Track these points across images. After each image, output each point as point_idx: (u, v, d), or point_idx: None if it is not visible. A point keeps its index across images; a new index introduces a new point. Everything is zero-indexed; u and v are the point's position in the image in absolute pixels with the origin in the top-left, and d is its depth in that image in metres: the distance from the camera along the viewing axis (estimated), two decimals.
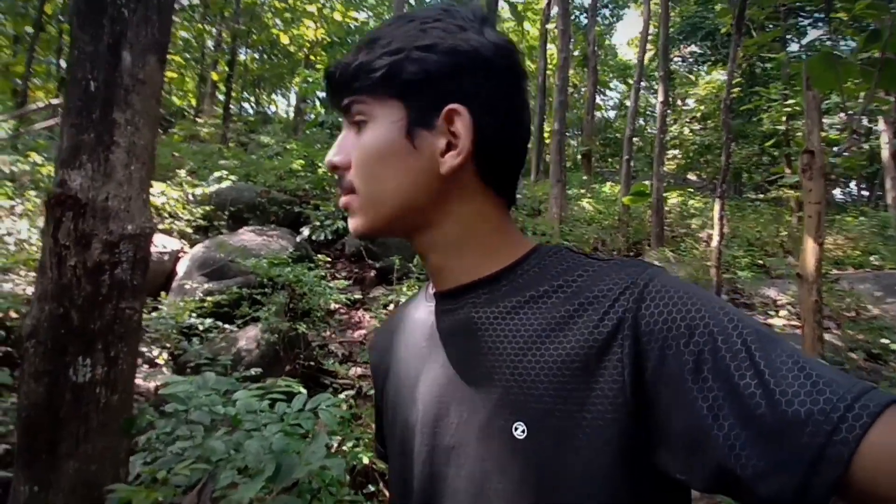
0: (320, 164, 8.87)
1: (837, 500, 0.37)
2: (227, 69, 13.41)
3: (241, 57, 14.86)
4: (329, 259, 6.28)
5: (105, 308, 1.59)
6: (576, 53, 15.74)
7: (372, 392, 0.69)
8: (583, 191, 11.34)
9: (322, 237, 6.61)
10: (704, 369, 0.43)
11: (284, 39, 14.43)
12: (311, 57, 15.18)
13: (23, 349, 1.53)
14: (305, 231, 6.70)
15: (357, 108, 0.55)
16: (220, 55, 13.84)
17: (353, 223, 0.58)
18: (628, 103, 11.73)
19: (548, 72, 13.00)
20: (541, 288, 0.54)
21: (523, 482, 0.49)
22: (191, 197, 6.75)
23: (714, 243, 5.83)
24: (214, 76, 14.25)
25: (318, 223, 6.72)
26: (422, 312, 0.64)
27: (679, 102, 17.44)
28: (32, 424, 1.50)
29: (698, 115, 15.10)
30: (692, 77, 16.94)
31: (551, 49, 13.51)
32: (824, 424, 0.37)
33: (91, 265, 1.57)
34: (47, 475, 1.49)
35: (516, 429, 0.49)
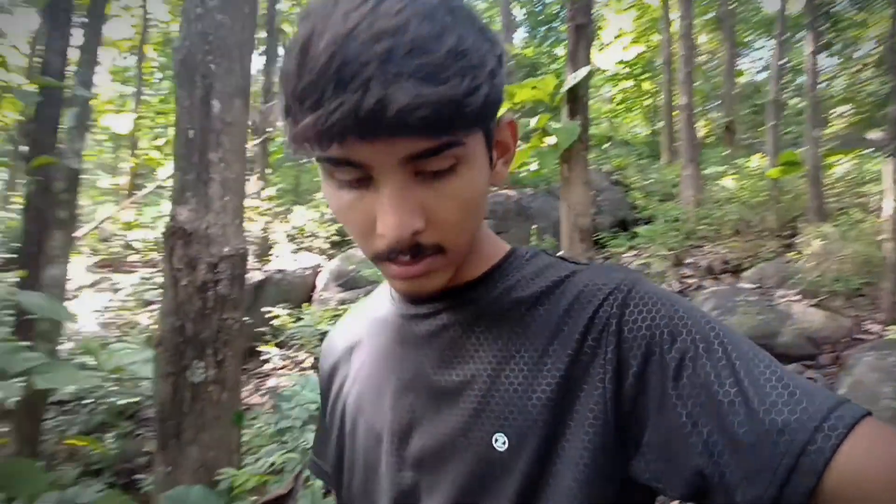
0: None
1: None
2: None
3: None
4: None
5: (212, 319, 1.89)
6: (708, 17, 14.25)
7: None
8: (724, 167, 10.23)
9: None
10: (684, 375, 0.42)
11: None
12: None
13: (155, 355, 1.88)
14: None
15: (451, 151, 0.42)
16: None
17: (435, 283, 0.49)
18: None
19: (672, 47, 12.00)
20: (521, 294, 0.51)
21: (503, 496, 0.47)
22: (326, 216, 7.50)
23: (887, 212, 4.89)
24: None
25: None
26: (387, 314, 0.59)
27: (847, 49, 14.83)
28: (163, 416, 1.83)
29: (872, 60, 12.69)
30: (863, 16, 14.30)
31: (674, 19, 12.45)
32: (800, 434, 0.37)
33: (198, 284, 1.88)
34: (176, 458, 1.82)
35: (496, 440, 0.47)
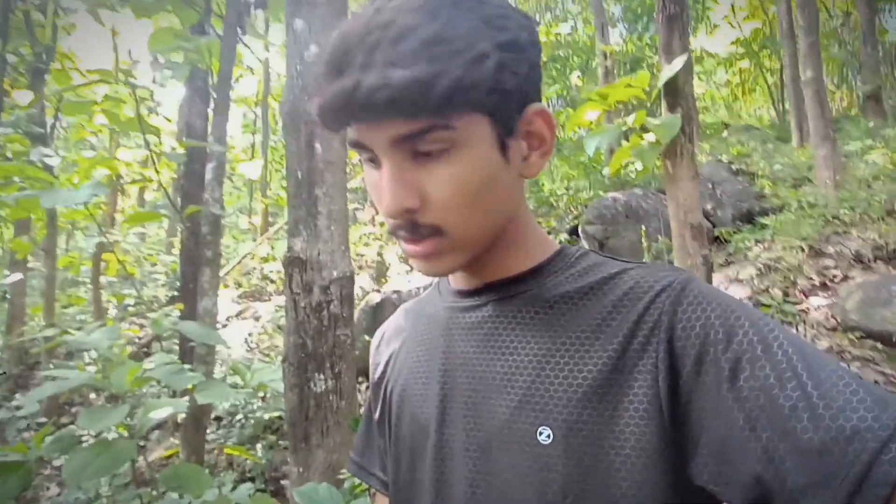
0: (545, 183, 9.18)
1: None
2: None
3: None
4: None
5: (328, 336, 2.13)
6: None
7: None
8: (869, 142, 8.94)
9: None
10: (741, 378, 0.41)
11: None
12: None
13: (283, 370, 2.15)
14: None
15: (437, 135, 0.44)
16: None
17: (442, 266, 0.50)
18: None
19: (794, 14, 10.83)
20: (568, 288, 0.52)
21: (547, 489, 0.47)
22: None
23: None
24: None
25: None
26: (437, 309, 0.61)
27: None
28: (293, 422, 2.09)
29: None
30: None
31: None
32: (871, 442, 0.35)
33: (314, 305, 2.13)
34: (306, 460, 2.06)
35: (541, 433, 0.47)
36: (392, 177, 0.46)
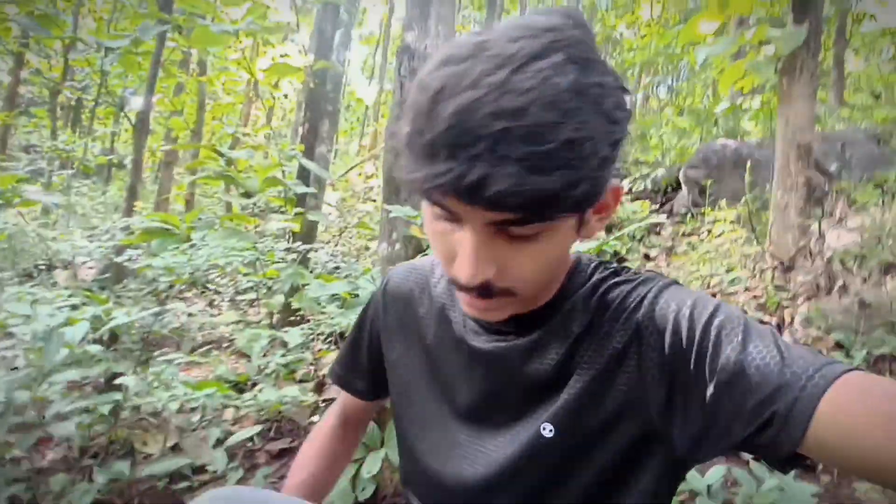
0: (651, 135, 8.89)
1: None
2: None
3: None
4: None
5: None
6: None
7: None
8: None
9: (642, 187, 6.78)
10: (721, 353, 0.47)
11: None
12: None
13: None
14: (626, 183, 7.02)
15: (538, 226, 0.45)
16: None
17: (503, 315, 0.54)
18: None
19: None
20: (577, 320, 0.56)
21: (543, 468, 0.55)
22: None
23: None
24: None
25: (636, 175, 6.95)
26: (454, 316, 0.64)
27: None
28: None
29: None
30: None
31: None
32: (797, 384, 0.43)
33: None
34: None
35: (544, 428, 0.54)
36: (477, 250, 0.46)
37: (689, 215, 5.92)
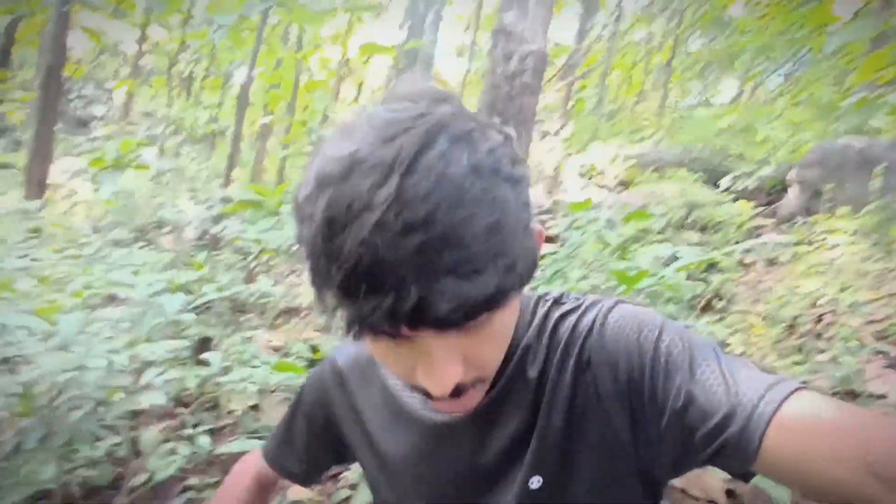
0: (758, 129, 8.17)
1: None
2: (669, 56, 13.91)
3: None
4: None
5: (516, 102, 2.37)
6: None
7: None
8: None
9: (745, 186, 6.24)
10: (659, 386, 0.48)
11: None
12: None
13: None
14: (726, 181, 6.49)
15: (491, 314, 0.42)
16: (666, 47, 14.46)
17: (468, 407, 0.51)
18: None
19: None
20: (532, 366, 0.55)
21: None
22: (620, 156, 7.63)
23: None
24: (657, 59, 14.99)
25: (738, 173, 6.42)
26: (402, 395, 0.62)
27: None
28: None
29: None
30: None
31: None
32: (747, 406, 0.44)
33: (510, 73, 2.37)
34: None
35: (532, 483, 0.53)
36: (438, 361, 0.43)
37: (796, 222, 5.36)
